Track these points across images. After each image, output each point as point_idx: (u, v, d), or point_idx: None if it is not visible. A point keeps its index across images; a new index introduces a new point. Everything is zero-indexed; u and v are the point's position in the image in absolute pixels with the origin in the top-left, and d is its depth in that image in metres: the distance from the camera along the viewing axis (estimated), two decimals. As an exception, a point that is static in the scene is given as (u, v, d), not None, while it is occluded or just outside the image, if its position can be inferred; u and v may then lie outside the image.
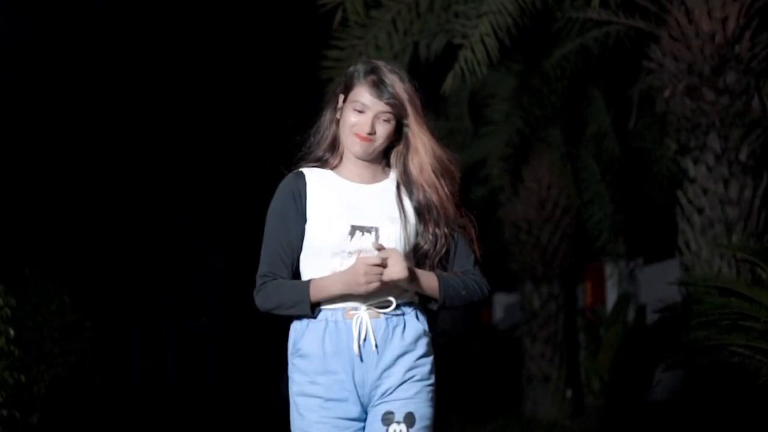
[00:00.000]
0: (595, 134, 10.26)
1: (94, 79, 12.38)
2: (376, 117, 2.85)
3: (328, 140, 2.93)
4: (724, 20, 6.81)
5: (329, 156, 2.93)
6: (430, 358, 2.87)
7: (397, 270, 2.73)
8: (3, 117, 11.03)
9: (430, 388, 2.86)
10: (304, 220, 2.86)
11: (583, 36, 8.41)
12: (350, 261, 2.78)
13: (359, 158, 2.90)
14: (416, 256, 2.88)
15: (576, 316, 11.56)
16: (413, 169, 2.90)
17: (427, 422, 2.83)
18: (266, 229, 2.90)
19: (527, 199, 10.43)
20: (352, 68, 2.91)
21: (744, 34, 6.84)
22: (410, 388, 2.81)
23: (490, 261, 3.22)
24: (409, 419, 2.79)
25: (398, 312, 2.83)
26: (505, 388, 11.45)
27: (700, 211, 6.90)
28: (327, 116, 2.95)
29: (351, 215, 2.83)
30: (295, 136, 3.01)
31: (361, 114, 2.85)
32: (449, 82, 6.97)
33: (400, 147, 2.93)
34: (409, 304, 2.86)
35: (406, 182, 2.91)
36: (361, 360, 2.79)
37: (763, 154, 6.94)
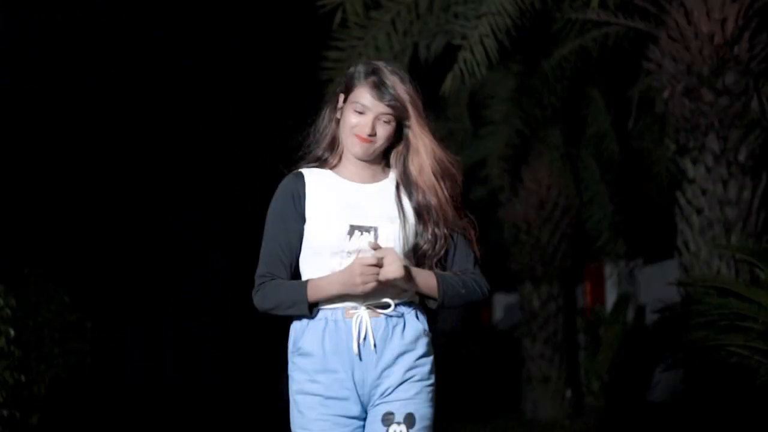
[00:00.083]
0: (594, 135, 10.26)
1: (94, 79, 12.37)
2: (376, 118, 2.85)
3: (328, 139, 2.94)
4: (723, 21, 6.81)
5: (328, 155, 2.93)
6: (430, 358, 2.87)
7: (393, 269, 2.73)
8: (3, 117, 11.02)
9: (430, 388, 2.85)
10: (303, 221, 2.86)
11: (582, 37, 8.41)
12: (349, 261, 2.78)
13: (359, 159, 2.90)
14: (416, 256, 2.88)
15: (575, 317, 11.56)
16: (413, 170, 2.90)
17: (427, 422, 2.83)
18: (265, 229, 2.90)
19: (527, 199, 10.44)
20: (352, 69, 2.91)
21: (743, 35, 6.84)
22: (410, 389, 2.81)
23: (489, 261, 3.23)
24: (409, 420, 2.79)
25: (398, 312, 2.83)
26: (504, 389, 11.47)
27: (699, 211, 6.90)
28: (327, 115, 2.95)
29: (350, 215, 2.83)
30: (295, 136, 3.01)
31: (361, 115, 2.85)
32: (449, 83, 6.98)
33: (401, 147, 2.93)
34: (409, 303, 2.86)
35: (405, 183, 2.91)
36: (360, 359, 2.79)
37: (762, 154, 6.95)
